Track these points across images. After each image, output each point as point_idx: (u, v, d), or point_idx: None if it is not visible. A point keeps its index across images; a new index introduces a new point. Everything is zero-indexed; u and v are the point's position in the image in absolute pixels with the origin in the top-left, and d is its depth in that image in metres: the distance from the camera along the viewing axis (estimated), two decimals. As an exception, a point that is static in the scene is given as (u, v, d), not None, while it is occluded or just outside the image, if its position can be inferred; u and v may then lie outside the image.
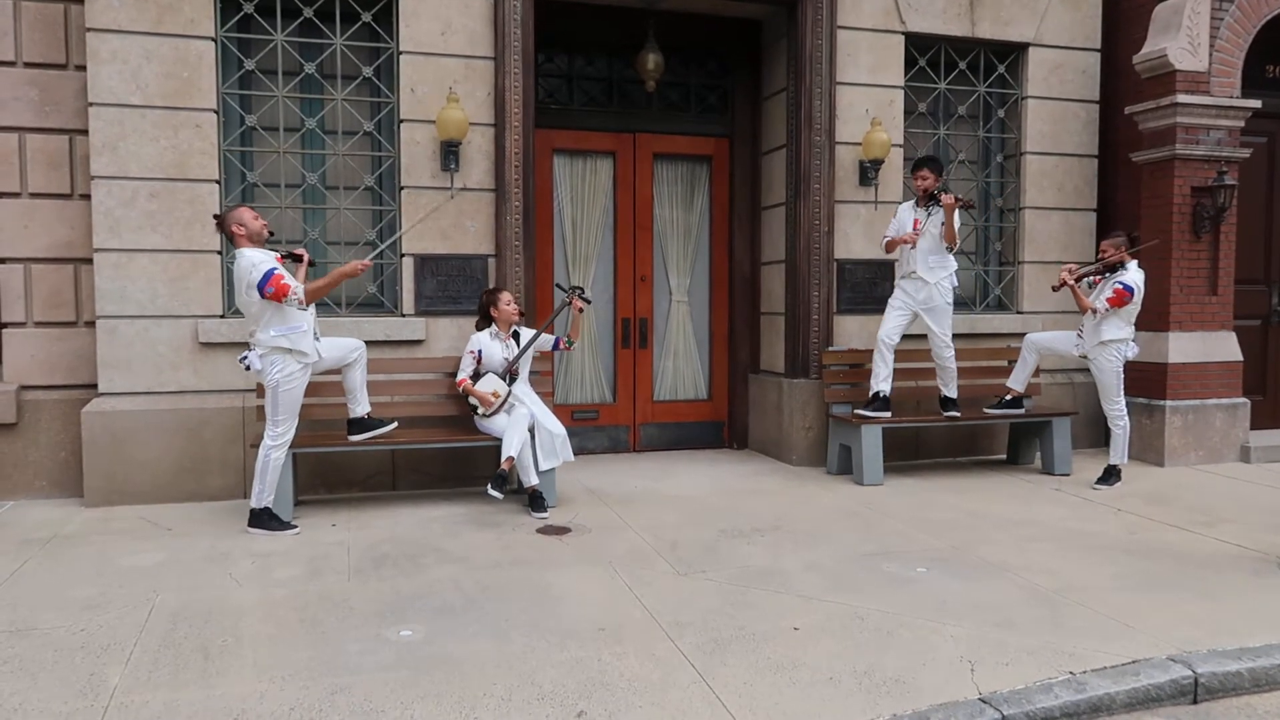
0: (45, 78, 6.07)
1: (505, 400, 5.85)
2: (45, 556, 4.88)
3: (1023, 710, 3.22)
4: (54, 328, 6.18)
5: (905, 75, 7.43)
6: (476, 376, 5.90)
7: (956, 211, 6.48)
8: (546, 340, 6.19)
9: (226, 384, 6.10)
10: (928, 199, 6.59)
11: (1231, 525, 5.56)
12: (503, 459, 5.70)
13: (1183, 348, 7.38)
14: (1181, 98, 7.17)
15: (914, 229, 6.59)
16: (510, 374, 5.88)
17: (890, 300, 6.84)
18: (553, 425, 5.91)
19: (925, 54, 7.55)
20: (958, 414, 6.88)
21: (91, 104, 5.86)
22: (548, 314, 7.46)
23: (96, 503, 5.88)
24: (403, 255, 6.39)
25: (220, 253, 6.11)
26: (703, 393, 8.14)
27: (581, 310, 6.24)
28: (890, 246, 6.77)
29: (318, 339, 5.36)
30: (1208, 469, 7.29)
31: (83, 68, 5.98)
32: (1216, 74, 7.31)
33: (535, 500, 5.76)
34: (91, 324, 6.10)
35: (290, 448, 5.38)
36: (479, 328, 6.09)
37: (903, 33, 7.36)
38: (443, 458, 6.44)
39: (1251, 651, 3.65)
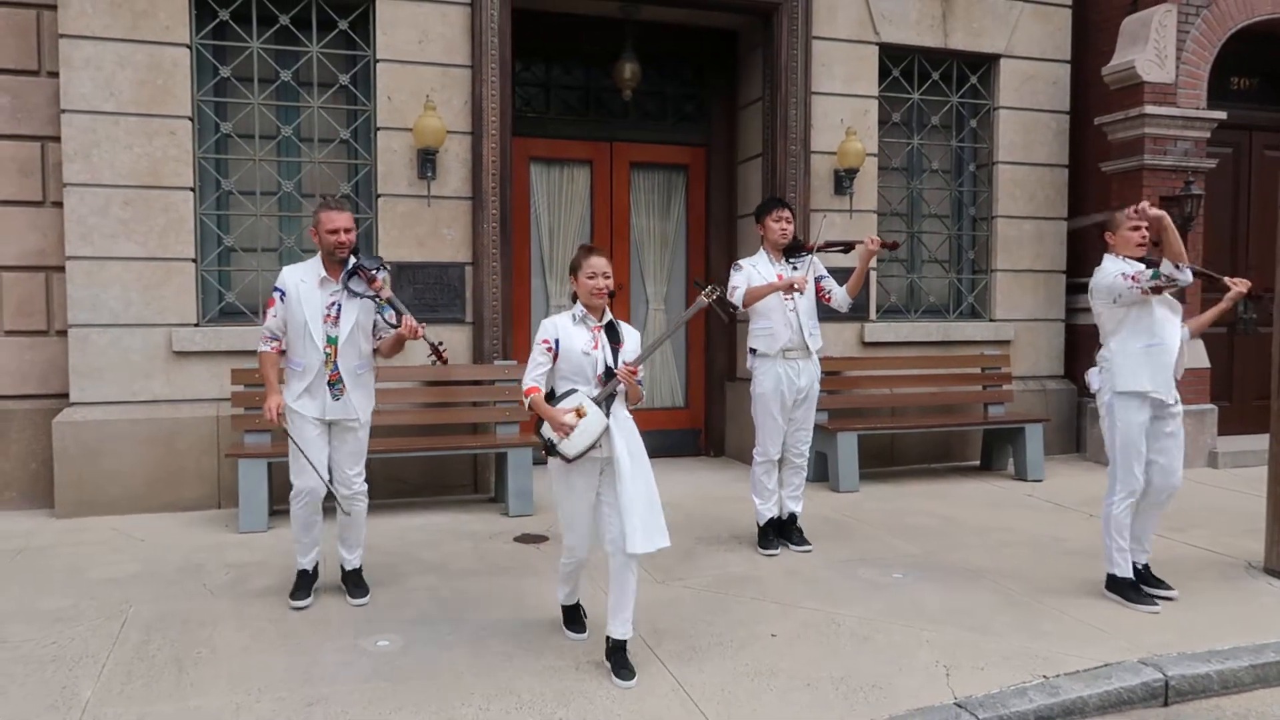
0: (17, 84, 6.00)
1: (599, 440, 3.57)
2: (15, 568, 4.81)
3: (997, 714, 3.26)
4: (25, 336, 6.10)
5: (879, 85, 7.50)
6: (552, 395, 3.66)
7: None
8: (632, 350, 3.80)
9: (201, 393, 6.05)
10: (790, 248, 5.13)
11: (1200, 530, 5.64)
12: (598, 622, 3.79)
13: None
14: (1149, 109, 7.29)
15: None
16: (609, 393, 3.62)
17: (759, 392, 5.08)
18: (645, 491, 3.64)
19: (899, 64, 7.63)
20: (809, 545, 5.18)
21: (64, 111, 5.80)
22: (525, 326, 7.46)
23: (68, 514, 5.81)
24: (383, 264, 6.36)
25: (195, 260, 6.06)
26: (679, 400, 8.16)
27: (719, 310, 4.39)
28: (756, 296, 4.95)
29: (337, 398, 4.13)
30: (1177, 474, 7.37)
31: (55, 74, 5.91)
32: (1183, 86, 7.44)
33: (616, 655, 3.57)
34: (63, 333, 6.03)
35: (306, 498, 4.28)
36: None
37: (877, 43, 7.44)
38: (420, 467, 6.41)
39: (1220, 654, 3.72)
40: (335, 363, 4.12)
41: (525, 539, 5.41)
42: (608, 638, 3.58)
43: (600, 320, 3.71)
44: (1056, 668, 3.59)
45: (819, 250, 5.12)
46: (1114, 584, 4.39)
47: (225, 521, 5.71)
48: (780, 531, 5.24)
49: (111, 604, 4.24)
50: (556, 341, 3.63)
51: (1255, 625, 4.06)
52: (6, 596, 4.36)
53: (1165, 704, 3.52)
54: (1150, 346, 4.22)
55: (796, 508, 5.28)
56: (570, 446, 3.53)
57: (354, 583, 4.39)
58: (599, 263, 3.68)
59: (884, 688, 3.43)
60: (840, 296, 5.16)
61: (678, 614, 4.16)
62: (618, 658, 3.54)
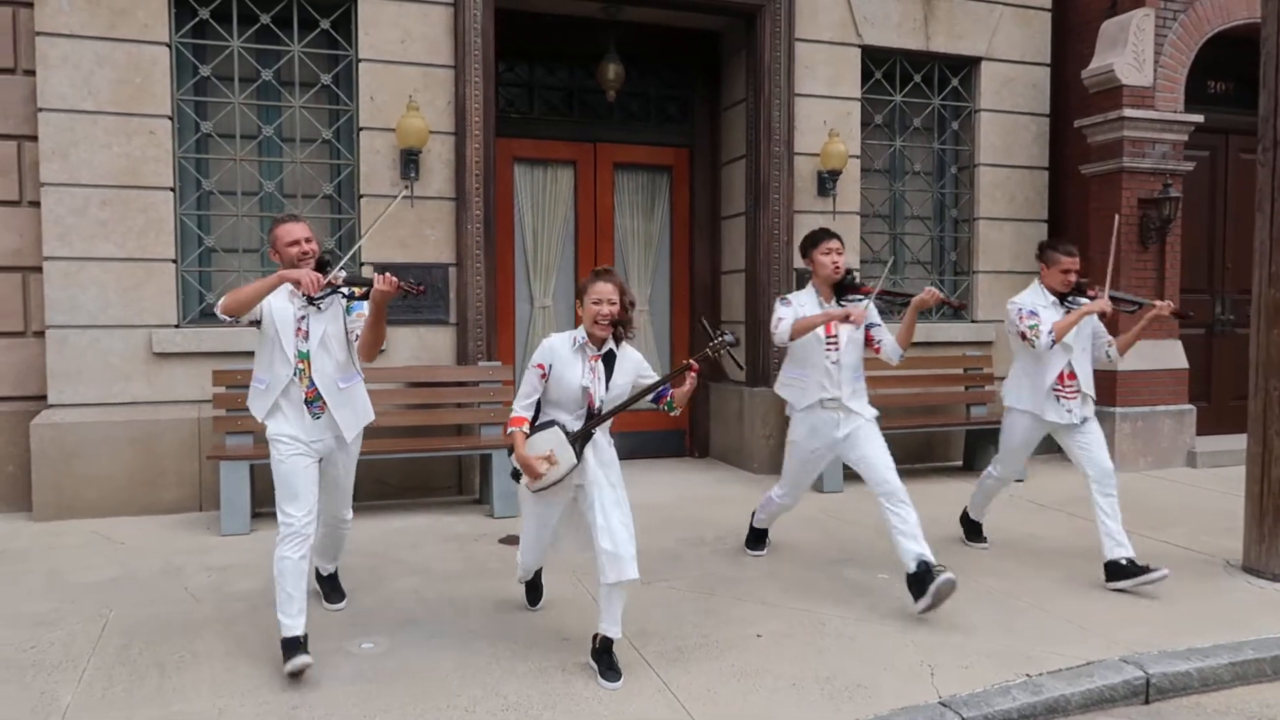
0: (-8, 82, 5.94)
1: (566, 476, 3.56)
2: (-8, 573, 4.75)
3: (981, 713, 3.27)
4: (1, 338, 6.02)
5: (862, 87, 7.54)
6: (538, 415, 3.62)
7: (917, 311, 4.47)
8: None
9: (181, 395, 5.99)
10: (843, 286, 4.55)
11: (1179, 529, 5.70)
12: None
13: (1131, 356, 7.55)
14: (1128, 112, 7.36)
15: (828, 335, 4.49)
16: (584, 432, 3.55)
17: (792, 439, 4.69)
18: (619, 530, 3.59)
19: (881, 67, 7.66)
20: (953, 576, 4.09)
21: (41, 109, 5.74)
22: (509, 327, 7.44)
23: (46, 517, 5.74)
24: (361, 264, 6.33)
25: (175, 261, 6.01)
26: (664, 401, 8.15)
27: (722, 357, 3.83)
28: (807, 327, 4.42)
29: (317, 416, 3.69)
30: (1156, 474, 7.46)
31: (32, 72, 5.85)
32: (1161, 89, 7.52)
33: (604, 657, 3.53)
34: (41, 334, 5.96)
35: (297, 538, 3.65)
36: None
37: (859, 45, 7.47)
38: (403, 469, 6.38)
39: (1200, 652, 3.76)
40: (310, 378, 3.66)
41: (510, 540, 5.39)
42: (595, 635, 3.55)
43: (600, 349, 3.56)
44: (1039, 666, 3.62)
45: (877, 296, 4.54)
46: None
47: (207, 524, 5.67)
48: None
49: (92, 608, 4.20)
50: (550, 367, 3.54)
51: (1234, 623, 4.10)
52: (-16, 601, 4.32)
53: (1146, 701, 3.55)
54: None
55: (924, 550, 4.18)
56: (532, 484, 3.57)
57: (331, 587, 4.34)
58: (605, 288, 3.48)
59: (869, 687, 3.44)
60: (890, 347, 4.57)
61: (664, 615, 4.16)
62: (605, 659, 3.52)
